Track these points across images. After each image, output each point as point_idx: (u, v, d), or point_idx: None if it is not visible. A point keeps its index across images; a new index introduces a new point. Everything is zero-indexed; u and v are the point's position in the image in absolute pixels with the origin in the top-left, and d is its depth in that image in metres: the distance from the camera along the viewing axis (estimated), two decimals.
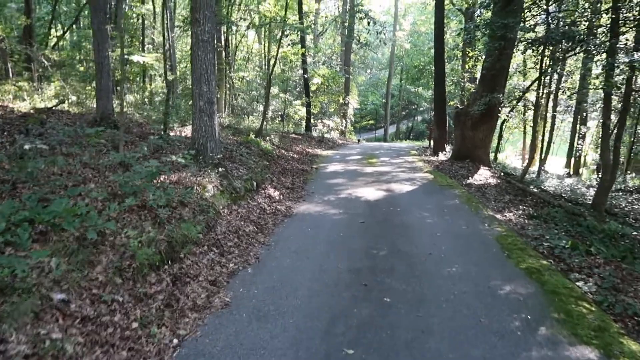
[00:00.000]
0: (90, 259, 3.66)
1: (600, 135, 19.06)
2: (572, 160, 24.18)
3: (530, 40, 11.02)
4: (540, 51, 11.63)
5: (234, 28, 28.18)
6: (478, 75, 23.49)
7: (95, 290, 3.38)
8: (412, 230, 6.40)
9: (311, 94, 25.44)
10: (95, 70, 8.47)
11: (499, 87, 12.73)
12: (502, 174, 12.88)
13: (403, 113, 49.05)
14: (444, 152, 17.09)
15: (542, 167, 18.32)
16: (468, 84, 21.90)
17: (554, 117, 20.46)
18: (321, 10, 37.56)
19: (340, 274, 4.75)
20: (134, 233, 4.16)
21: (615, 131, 9.73)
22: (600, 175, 17.46)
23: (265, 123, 18.87)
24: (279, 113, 26.99)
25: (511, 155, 31.26)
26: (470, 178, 11.38)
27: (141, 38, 21.90)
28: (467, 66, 21.47)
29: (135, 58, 13.71)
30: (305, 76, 22.72)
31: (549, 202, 9.26)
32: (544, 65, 12.27)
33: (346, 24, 20.78)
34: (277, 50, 13.78)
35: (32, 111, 8.87)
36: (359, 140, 24.55)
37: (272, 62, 14.61)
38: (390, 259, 5.19)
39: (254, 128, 16.41)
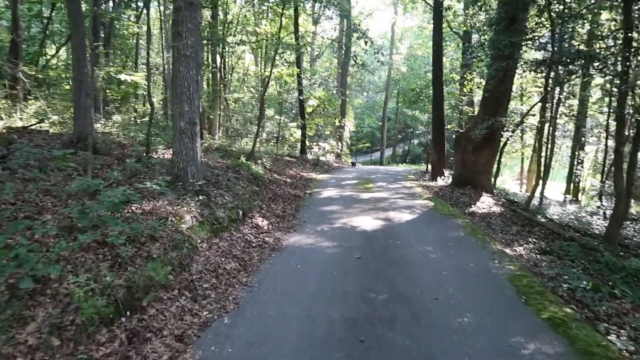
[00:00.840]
0: (22, 315, 2.95)
1: (606, 162, 18.56)
2: (572, 185, 23.64)
3: (539, 61, 10.53)
4: (546, 72, 11.15)
5: (229, 49, 27.96)
6: (476, 99, 23.26)
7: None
8: (415, 268, 5.71)
9: (307, 116, 24.97)
10: (74, 87, 7.86)
11: (501, 110, 12.23)
12: (505, 201, 12.26)
13: (399, 136, 48.81)
14: (442, 177, 16.52)
15: (543, 194, 17.74)
16: (466, 107, 21.52)
17: (553, 141, 19.95)
18: (318, 33, 37.60)
19: (333, 324, 4.03)
20: (84, 278, 3.45)
21: (629, 158, 9.16)
22: (603, 204, 16.93)
23: (257, 145, 18.29)
24: (275, 135, 26.51)
25: (508, 180, 30.73)
26: (472, 206, 10.75)
27: (135, 57, 21.50)
28: (465, 89, 21.11)
29: (122, 77, 13.15)
30: (301, 98, 22.28)
31: (559, 234, 8.61)
32: (548, 87, 11.77)
33: (343, 44, 20.43)
34: (271, 70, 13.28)
35: (3, 130, 8.23)
36: (353, 163, 23.94)
37: (265, 82, 14.09)
38: (391, 306, 4.49)
39: (247, 150, 15.82)
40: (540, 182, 12.28)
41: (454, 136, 25.18)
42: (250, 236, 6.67)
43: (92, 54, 10.72)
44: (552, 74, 11.75)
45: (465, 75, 20.86)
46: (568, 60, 9.74)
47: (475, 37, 25.09)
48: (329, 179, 15.99)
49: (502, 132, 12.70)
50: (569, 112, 18.50)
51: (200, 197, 6.18)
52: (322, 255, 6.16)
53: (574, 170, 23.50)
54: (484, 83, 20.25)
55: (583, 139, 23.14)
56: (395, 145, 45.90)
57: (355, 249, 6.50)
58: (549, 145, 13.19)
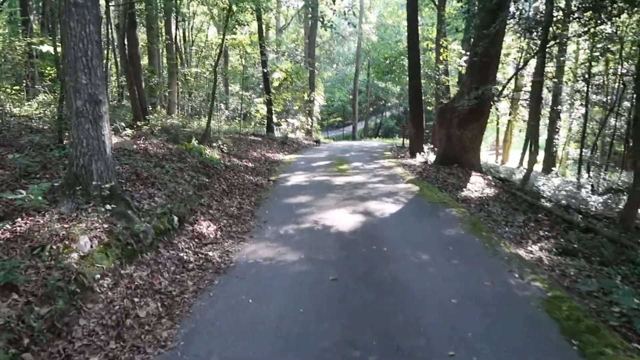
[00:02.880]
0: None
1: (585, 130, 17.39)
2: (547, 156, 22.65)
3: (534, 18, 8.95)
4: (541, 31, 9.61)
5: (186, 20, 25.48)
6: (450, 67, 21.77)
7: None
8: (412, 295, 4.12)
9: (273, 91, 22.95)
10: None
11: (491, 78, 10.69)
12: (496, 180, 10.85)
13: (371, 109, 47.22)
14: (422, 153, 15.05)
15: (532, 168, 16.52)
16: (443, 77, 20.00)
17: (539, 110, 18.71)
18: (283, 2, 35.11)
19: None
20: None
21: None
22: (590, 175, 15.82)
23: (215, 124, 16.32)
24: (242, 112, 24.42)
25: (483, 151, 29.60)
26: (464, 189, 9.27)
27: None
28: (441, 57, 19.53)
29: (45, 48, 10.92)
30: (265, 70, 20.22)
31: (570, 222, 7.21)
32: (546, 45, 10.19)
33: (309, 2, 18.35)
34: (223, 36, 11.25)
35: None
36: (316, 141, 22.15)
37: (218, 50, 12.06)
38: None
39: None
40: (529, 155, 10.90)
41: (434, 109, 23.73)
42: (188, 253, 4.94)
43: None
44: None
45: (441, 43, 19.31)
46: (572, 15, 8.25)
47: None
48: (297, 160, 14.25)
49: (491, 103, 11.19)
50: (551, 76, 17.17)
51: (111, 206, 4.38)
52: (284, 278, 4.50)
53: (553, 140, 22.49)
54: (461, 50, 18.83)
55: (559, 106, 22.08)
56: (367, 118, 44.33)
57: (329, 263, 4.87)
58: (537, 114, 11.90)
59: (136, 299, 3.69)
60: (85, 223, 4.02)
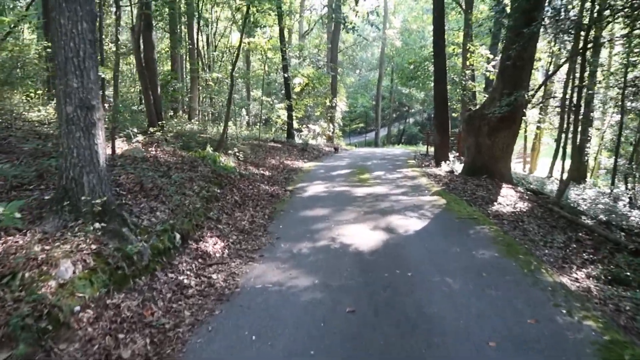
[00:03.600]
0: None
1: (620, 139, 16.32)
2: (578, 165, 21.50)
3: (572, 19, 8.23)
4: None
5: (210, 25, 25.40)
6: (477, 73, 20.98)
7: None
8: (441, 335, 3.51)
9: (294, 96, 22.53)
10: None
11: (525, 84, 9.97)
12: (529, 193, 10.09)
13: (394, 115, 46.44)
14: (447, 162, 14.35)
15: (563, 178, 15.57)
16: (470, 82, 19.22)
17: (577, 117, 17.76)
18: (306, 8, 34.85)
19: None
20: None
21: None
22: (628, 187, 14.79)
23: (234, 130, 15.97)
24: (262, 118, 24.10)
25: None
26: (494, 203, 8.57)
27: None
28: (468, 63, 18.79)
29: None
30: (286, 75, 19.81)
31: (616, 242, 6.46)
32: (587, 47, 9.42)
33: (332, 4, 17.83)
34: (241, 38, 10.84)
35: None
36: (335, 149, 21.50)
37: (236, 53, 11.66)
38: None
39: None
40: (570, 165, 10.10)
41: (459, 116, 22.89)
42: (189, 276, 4.44)
43: None
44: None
45: (468, 47, 18.58)
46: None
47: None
48: (317, 168, 13.73)
49: (524, 110, 10.46)
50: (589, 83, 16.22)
51: (101, 224, 3.92)
52: (294, 308, 3.95)
53: (585, 148, 21.39)
54: (489, 54, 18.03)
55: (592, 114, 20.99)
56: (390, 124, 43.55)
57: (346, 291, 4.30)
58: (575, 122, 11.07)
59: (121, 335, 3.19)
60: (71, 244, 3.57)
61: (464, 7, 19.92)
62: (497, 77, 10.53)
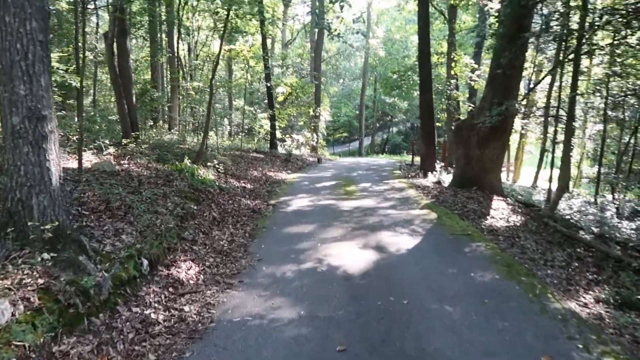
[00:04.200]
0: None
1: (603, 148, 16.22)
2: (564, 174, 21.49)
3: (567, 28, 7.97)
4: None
5: (190, 32, 24.90)
6: (460, 82, 20.89)
7: None
8: None
9: (277, 106, 22.08)
10: None
11: (514, 92, 9.71)
12: (520, 205, 9.76)
13: (377, 125, 46.32)
14: (434, 173, 14.02)
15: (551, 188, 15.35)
16: (455, 92, 19.07)
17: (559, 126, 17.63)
18: (289, 17, 34.57)
19: None
20: None
21: None
22: (615, 197, 14.66)
23: (213, 141, 15.42)
24: (244, 128, 23.56)
25: None
26: (487, 217, 8.20)
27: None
28: (452, 72, 18.66)
29: None
30: (269, 84, 19.36)
31: (618, 259, 6.12)
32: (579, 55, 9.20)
33: (315, 11, 17.52)
34: (221, 44, 10.36)
35: None
36: (318, 160, 20.83)
37: (215, 61, 11.13)
38: None
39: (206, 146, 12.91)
40: (560, 177, 9.81)
41: (443, 125, 22.72)
42: (158, 308, 3.90)
43: None
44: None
45: (452, 57, 18.46)
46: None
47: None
48: (301, 179, 13.25)
49: (513, 120, 10.19)
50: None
51: (50, 254, 3.37)
52: (277, 346, 3.45)
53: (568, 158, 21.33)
54: (473, 64, 17.90)
55: (574, 123, 21.00)
56: (373, 134, 43.41)
57: (335, 324, 3.81)
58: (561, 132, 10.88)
59: None
60: (12, 279, 3.02)
61: (447, 16, 19.82)
62: (487, 85, 10.25)
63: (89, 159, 8.07)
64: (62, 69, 8.25)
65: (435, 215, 8.16)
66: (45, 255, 3.29)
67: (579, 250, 6.66)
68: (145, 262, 4.27)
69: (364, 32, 21.30)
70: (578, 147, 23.66)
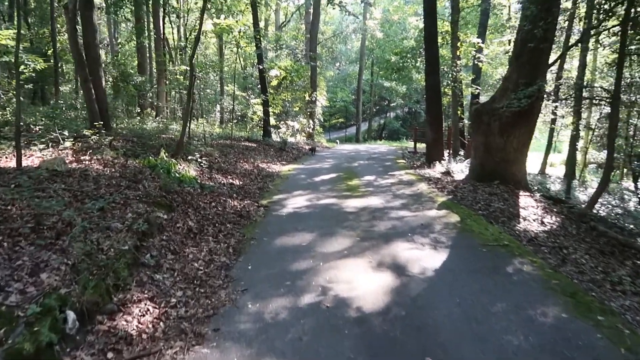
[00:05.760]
0: None
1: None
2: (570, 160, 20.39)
3: None
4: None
5: (179, 17, 23.37)
6: (466, 62, 19.46)
7: None
8: None
9: (271, 91, 20.59)
10: None
11: (544, 70, 8.35)
12: (548, 201, 8.47)
13: (375, 109, 44.78)
14: (441, 162, 12.77)
15: (572, 177, 14.07)
16: (461, 74, 17.67)
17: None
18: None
19: None
20: None
21: None
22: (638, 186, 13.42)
23: (196, 130, 14.02)
24: (238, 115, 22.07)
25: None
26: (518, 219, 6.90)
27: None
28: (458, 52, 17.28)
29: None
30: (261, 67, 17.85)
31: None
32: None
33: None
34: (201, 16, 8.85)
35: None
36: (312, 150, 18.94)
37: (196, 36, 9.66)
38: None
39: (192, 135, 11.50)
40: (604, 170, 8.56)
41: (451, 111, 21.44)
42: None
43: None
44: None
45: (458, 36, 17.10)
46: None
47: None
48: (297, 172, 11.91)
49: (542, 102, 8.85)
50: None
51: None
52: None
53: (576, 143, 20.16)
54: (480, 43, 16.46)
55: (582, 107, 19.73)
56: (370, 119, 41.95)
57: None
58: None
59: None
60: None
61: None
62: (510, 64, 8.87)
63: (43, 155, 6.70)
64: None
65: (457, 217, 6.85)
66: None
67: (638, 261, 5.41)
68: (72, 315, 2.92)
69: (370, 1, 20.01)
70: (583, 132, 22.41)
